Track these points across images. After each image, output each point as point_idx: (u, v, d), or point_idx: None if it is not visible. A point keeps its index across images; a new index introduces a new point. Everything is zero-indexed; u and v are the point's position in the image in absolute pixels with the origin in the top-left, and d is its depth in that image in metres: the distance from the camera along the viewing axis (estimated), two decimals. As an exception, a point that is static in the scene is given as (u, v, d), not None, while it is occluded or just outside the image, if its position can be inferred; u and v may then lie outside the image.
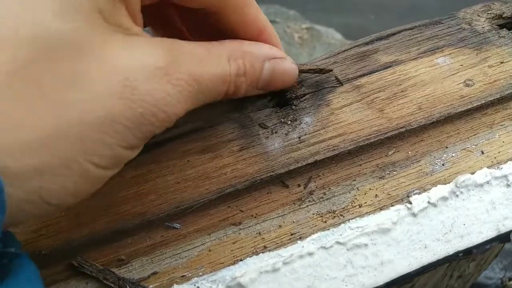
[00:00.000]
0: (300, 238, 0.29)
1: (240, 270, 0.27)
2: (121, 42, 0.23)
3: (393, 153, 0.32)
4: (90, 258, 0.28)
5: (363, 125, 0.32)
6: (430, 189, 0.30)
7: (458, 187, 0.30)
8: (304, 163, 0.31)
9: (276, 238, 0.29)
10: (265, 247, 0.29)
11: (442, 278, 0.47)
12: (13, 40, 0.20)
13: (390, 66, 0.35)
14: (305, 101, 0.33)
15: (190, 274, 0.28)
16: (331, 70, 0.34)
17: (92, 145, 0.21)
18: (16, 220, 0.21)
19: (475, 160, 0.32)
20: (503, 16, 0.38)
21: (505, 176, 0.30)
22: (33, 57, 0.20)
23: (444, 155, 0.32)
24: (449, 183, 0.30)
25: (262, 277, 0.27)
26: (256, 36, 0.30)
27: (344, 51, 0.36)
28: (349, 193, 0.31)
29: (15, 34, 0.20)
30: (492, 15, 0.38)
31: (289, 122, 0.32)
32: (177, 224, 0.29)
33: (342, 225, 0.29)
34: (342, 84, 0.34)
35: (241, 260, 0.28)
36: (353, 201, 0.30)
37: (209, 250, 0.29)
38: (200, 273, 0.28)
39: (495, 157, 0.32)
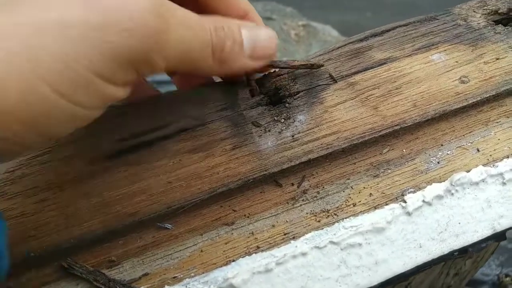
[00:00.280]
0: (294, 238, 0.29)
1: (232, 271, 0.27)
2: None
3: (388, 151, 0.32)
4: (80, 259, 0.28)
5: (357, 123, 0.32)
6: (425, 187, 0.30)
7: (454, 185, 0.29)
8: (297, 162, 0.30)
9: (269, 238, 0.29)
10: (258, 247, 0.28)
11: (439, 276, 0.46)
12: None
13: (384, 63, 0.34)
14: (298, 98, 0.33)
15: (181, 275, 0.27)
16: (323, 65, 0.33)
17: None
18: None
19: (470, 158, 0.31)
20: (499, 12, 0.37)
21: (501, 174, 0.30)
22: None
23: (439, 153, 0.32)
24: (444, 181, 0.30)
25: (254, 278, 0.27)
26: (240, 19, 0.30)
27: (338, 47, 0.36)
28: (343, 192, 0.30)
29: None
30: (488, 11, 0.38)
31: (283, 120, 0.32)
32: (169, 225, 0.29)
33: (336, 224, 0.29)
34: (336, 82, 0.33)
35: (233, 260, 0.28)
36: (347, 200, 0.30)
37: (201, 251, 0.28)
38: (192, 274, 0.27)
39: (490, 155, 0.31)
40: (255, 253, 0.28)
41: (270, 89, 0.33)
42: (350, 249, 0.28)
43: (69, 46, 0.21)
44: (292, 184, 0.30)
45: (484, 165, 0.31)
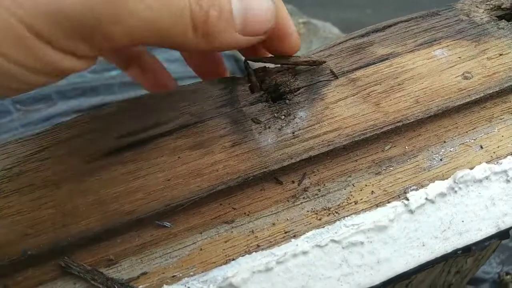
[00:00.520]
0: (294, 236, 0.28)
1: (232, 270, 0.27)
2: None
3: (390, 148, 0.31)
4: (78, 258, 0.28)
5: (359, 120, 0.31)
6: (427, 185, 0.29)
7: (457, 182, 0.29)
8: (298, 159, 0.30)
9: (269, 236, 0.28)
10: (258, 245, 0.28)
11: (440, 274, 0.46)
12: None
13: (386, 59, 0.34)
14: (299, 95, 0.32)
15: (180, 274, 0.27)
16: (325, 62, 0.33)
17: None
18: None
19: (474, 155, 0.31)
20: (502, 7, 0.37)
21: (505, 171, 0.30)
22: None
23: (442, 150, 0.31)
24: (447, 178, 0.30)
25: (254, 277, 0.26)
26: None
27: (340, 43, 0.35)
28: (345, 189, 0.30)
29: None
30: (491, 6, 0.37)
31: (283, 116, 0.31)
32: (168, 223, 0.29)
33: (337, 222, 0.28)
34: (337, 77, 0.33)
35: (233, 259, 0.27)
36: (348, 198, 0.29)
37: (201, 249, 0.28)
38: (191, 273, 0.27)
39: (494, 152, 0.31)
40: (255, 251, 0.28)
41: (270, 85, 0.32)
42: (351, 247, 0.27)
43: None
44: (293, 182, 0.30)
45: (487, 162, 0.30)
